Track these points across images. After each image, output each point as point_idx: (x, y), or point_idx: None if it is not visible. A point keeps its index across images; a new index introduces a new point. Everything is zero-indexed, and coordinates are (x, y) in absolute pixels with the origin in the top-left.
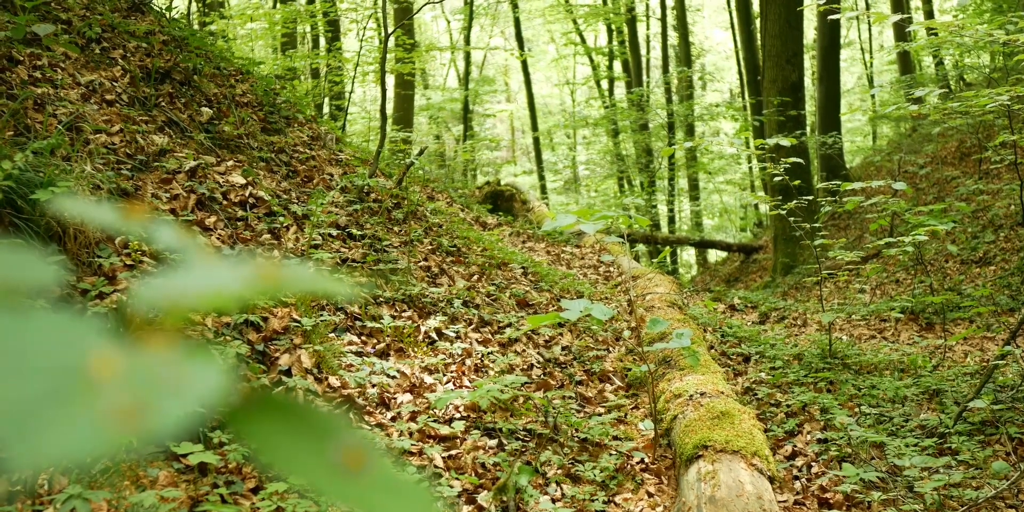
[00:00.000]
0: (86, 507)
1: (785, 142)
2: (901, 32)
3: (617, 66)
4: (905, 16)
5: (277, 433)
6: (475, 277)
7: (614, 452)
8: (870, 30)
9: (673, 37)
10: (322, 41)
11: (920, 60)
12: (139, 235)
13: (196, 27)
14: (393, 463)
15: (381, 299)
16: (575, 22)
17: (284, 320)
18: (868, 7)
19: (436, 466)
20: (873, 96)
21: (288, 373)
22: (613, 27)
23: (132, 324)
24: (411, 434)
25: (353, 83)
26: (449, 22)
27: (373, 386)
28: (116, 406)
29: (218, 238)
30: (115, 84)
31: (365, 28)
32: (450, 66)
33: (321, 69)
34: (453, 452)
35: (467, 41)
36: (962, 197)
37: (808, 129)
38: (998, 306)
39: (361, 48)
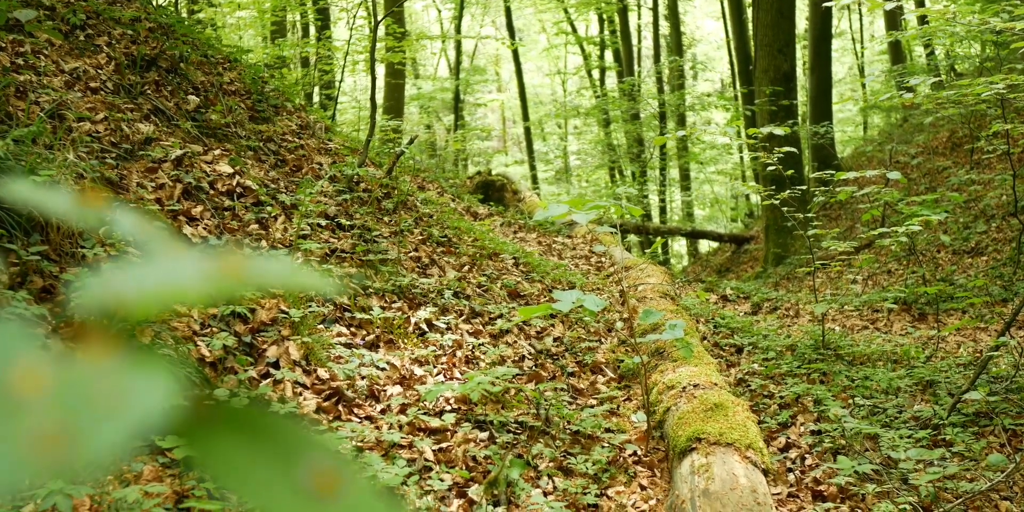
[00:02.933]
0: (68, 503)
1: (778, 131)
2: (893, 22)
3: (608, 56)
4: (898, 3)
5: (238, 455)
6: (466, 268)
7: (606, 444)
8: (861, 20)
9: (664, 27)
10: (312, 29)
11: (911, 50)
12: (96, 224)
13: (184, 15)
14: (381, 457)
15: (370, 290)
16: (566, 11)
17: (272, 311)
18: None
19: (426, 459)
20: (864, 86)
21: (276, 365)
22: (604, 16)
23: (77, 326)
24: (401, 427)
25: (343, 72)
26: (440, 11)
27: (362, 378)
28: (41, 431)
29: (204, 228)
30: (100, 71)
31: (355, 16)
32: (441, 55)
33: (311, 58)
34: (443, 445)
35: (458, 30)
36: (954, 187)
37: (800, 119)
38: (991, 297)
39: (351, 36)
